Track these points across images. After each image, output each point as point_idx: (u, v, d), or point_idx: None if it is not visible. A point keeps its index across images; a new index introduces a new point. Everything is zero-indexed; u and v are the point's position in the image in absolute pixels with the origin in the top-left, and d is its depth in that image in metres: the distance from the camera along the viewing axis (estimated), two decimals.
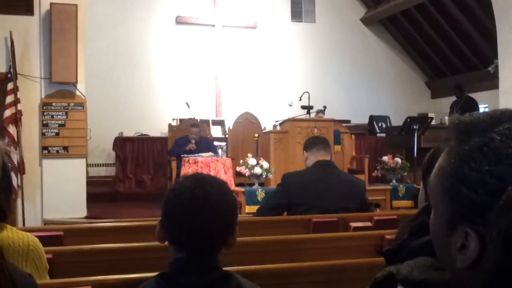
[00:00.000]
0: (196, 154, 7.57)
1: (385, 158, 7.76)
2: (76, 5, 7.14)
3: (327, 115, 9.62)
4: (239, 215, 1.69)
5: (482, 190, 0.73)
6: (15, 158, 6.59)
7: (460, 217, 0.76)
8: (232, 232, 1.61)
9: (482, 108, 10.96)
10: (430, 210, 0.97)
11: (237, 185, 7.26)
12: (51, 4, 7.06)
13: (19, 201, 6.81)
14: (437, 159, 0.85)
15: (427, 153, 1.48)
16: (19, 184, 6.73)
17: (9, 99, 6.78)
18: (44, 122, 7.19)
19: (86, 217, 7.22)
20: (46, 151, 7.18)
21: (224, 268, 1.61)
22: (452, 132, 0.81)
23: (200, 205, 1.53)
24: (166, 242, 1.63)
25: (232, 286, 1.56)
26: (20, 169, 6.73)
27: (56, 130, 7.22)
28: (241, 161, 6.94)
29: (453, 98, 10.98)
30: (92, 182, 8.90)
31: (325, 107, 9.86)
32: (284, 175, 3.85)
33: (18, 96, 6.83)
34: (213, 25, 11.99)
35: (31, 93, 7.15)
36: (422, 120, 9.29)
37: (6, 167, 1.70)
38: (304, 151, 3.84)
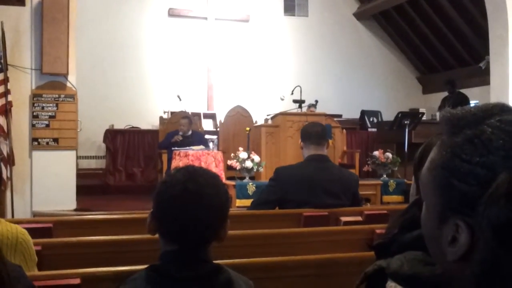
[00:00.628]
0: (187, 147, 7.56)
1: (376, 153, 7.78)
2: None
3: (319, 109, 9.65)
4: (230, 209, 1.69)
5: (473, 181, 0.73)
6: (4, 149, 6.55)
7: (451, 210, 0.76)
8: (224, 225, 1.60)
9: (473, 104, 11.00)
10: (421, 204, 0.97)
11: (227, 178, 7.27)
12: None
13: (8, 193, 6.77)
14: (429, 153, 0.85)
15: (418, 148, 1.48)
16: (9, 175, 6.69)
17: None
18: (35, 113, 7.14)
19: (75, 210, 7.19)
20: (36, 143, 7.14)
21: (215, 261, 1.60)
22: (443, 125, 0.81)
23: (192, 197, 1.53)
24: (157, 235, 1.62)
25: (222, 279, 1.55)
26: (10, 160, 6.69)
27: (46, 122, 7.17)
28: (232, 154, 6.94)
29: (445, 94, 11.02)
30: (82, 175, 8.87)
31: (316, 101, 9.89)
32: (276, 169, 3.78)
33: (9, 87, 6.78)
34: (206, 18, 11.95)
35: (21, 84, 7.09)
36: (413, 115, 9.33)
37: None
38: (300, 140, 3.80)
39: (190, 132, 8.41)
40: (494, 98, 7.85)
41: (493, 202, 0.70)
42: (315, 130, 3.68)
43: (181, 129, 8.33)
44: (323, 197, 3.50)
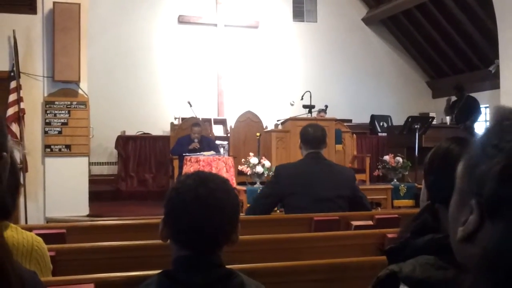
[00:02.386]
0: (198, 153, 7.59)
1: (386, 157, 7.77)
2: (79, 4, 7.16)
3: (329, 114, 9.63)
4: (241, 214, 1.70)
5: (492, 164, 0.74)
6: (17, 156, 6.61)
7: (471, 193, 0.77)
8: (235, 229, 1.62)
9: (484, 108, 10.96)
10: (432, 209, 0.98)
11: (238, 183, 7.28)
12: (54, 3, 7.08)
13: (21, 199, 6.82)
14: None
15: (428, 152, 1.49)
16: (22, 182, 6.73)
17: (12, 97, 6.80)
18: (47, 120, 7.21)
19: (88, 216, 7.24)
20: (48, 150, 7.20)
21: (227, 266, 1.61)
22: (494, 116, 0.83)
23: (204, 203, 1.54)
24: (169, 241, 1.63)
25: (235, 283, 1.56)
26: (23, 167, 6.75)
27: (58, 129, 7.23)
28: (243, 160, 6.96)
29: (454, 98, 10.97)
30: (94, 181, 8.92)
31: (326, 106, 9.86)
32: (276, 167, 3.99)
33: (21, 94, 6.86)
34: (215, 25, 12.00)
35: (34, 92, 7.17)
36: (423, 119, 9.29)
37: (14, 165, 1.70)
38: (300, 140, 3.92)
39: (200, 138, 8.44)
40: (504, 102, 7.81)
41: (492, 178, 0.72)
42: (316, 136, 3.82)
43: (195, 137, 8.35)
44: (323, 190, 3.62)
